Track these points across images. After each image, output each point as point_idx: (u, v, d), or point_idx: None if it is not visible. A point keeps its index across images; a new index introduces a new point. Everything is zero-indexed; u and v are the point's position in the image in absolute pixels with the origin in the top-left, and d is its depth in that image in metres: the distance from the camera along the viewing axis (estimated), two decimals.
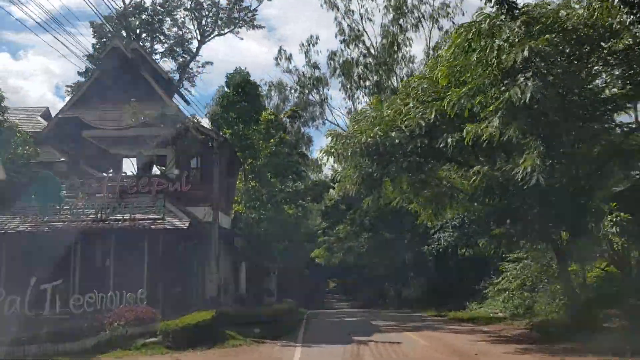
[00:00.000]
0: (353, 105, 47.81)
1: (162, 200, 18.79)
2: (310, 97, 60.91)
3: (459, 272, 37.81)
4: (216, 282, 19.85)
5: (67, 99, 28.09)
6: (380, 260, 43.45)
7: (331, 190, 51.55)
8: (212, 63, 32.94)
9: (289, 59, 49.67)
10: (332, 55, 46.88)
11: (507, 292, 26.28)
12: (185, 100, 26.82)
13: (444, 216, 21.50)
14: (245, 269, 31.94)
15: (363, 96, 47.17)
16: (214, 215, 20.19)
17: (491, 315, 25.02)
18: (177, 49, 30.57)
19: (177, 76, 31.56)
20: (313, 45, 48.62)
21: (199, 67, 31.87)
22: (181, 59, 30.47)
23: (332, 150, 16.43)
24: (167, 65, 33.71)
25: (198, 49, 31.36)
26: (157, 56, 29.62)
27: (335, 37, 45.62)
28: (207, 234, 20.74)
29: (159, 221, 18.61)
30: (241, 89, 29.71)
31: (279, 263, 42.04)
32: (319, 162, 61.39)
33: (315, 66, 49.22)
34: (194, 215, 20.74)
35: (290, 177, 36.40)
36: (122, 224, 18.41)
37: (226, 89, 29.79)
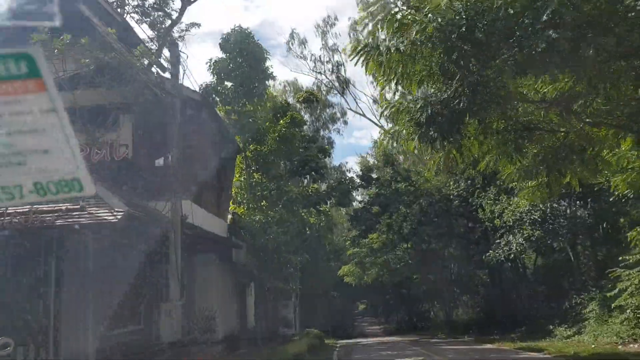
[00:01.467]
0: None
1: (78, 180, 10.47)
2: (330, 97, 53.13)
3: (527, 286, 28.85)
4: (178, 315, 11.26)
5: None
6: (422, 275, 34.58)
7: (359, 192, 43.01)
8: (199, 25, 24.67)
9: (303, 43, 41.77)
10: (354, 25, 38.69)
11: (629, 312, 17.43)
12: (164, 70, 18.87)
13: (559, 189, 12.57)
14: (253, 292, 23.60)
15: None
16: (172, 205, 11.78)
17: (619, 347, 16.05)
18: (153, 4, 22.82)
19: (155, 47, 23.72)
20: (331, 27, 40.71)
21: (183, 30, 24.03)
22: (158, 20, 22.72)
23: (371, 40, 7.97)
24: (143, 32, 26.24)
25: (182, 9, 23.73)
26: (129, 19, 22.01)
27: (357, 4, 37.57)
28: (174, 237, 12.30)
29: (73, 213, 10.33)
30: (240, 52, 21.52)
31: (298, 284, 33.50)
32: (342, 168, 53.44)
33: (333, 49, 41.11)
34: (149, 207, 12.43)
35: (309, 175, 28.06)
36: (7, 221, 10.16)
37: (221, 54, 21.65)
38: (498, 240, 24.52)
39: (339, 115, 51.68)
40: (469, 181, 27.23)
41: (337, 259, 46.44)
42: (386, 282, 43.02)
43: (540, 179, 11.41)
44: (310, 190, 29.25)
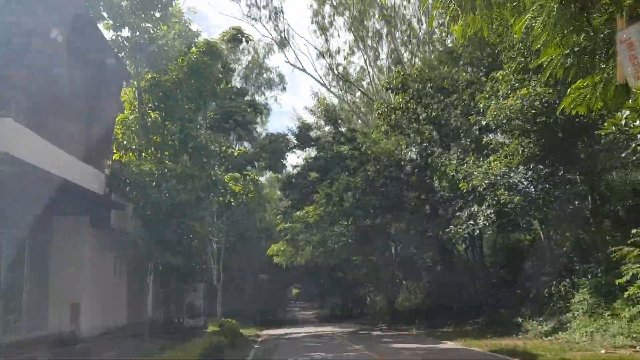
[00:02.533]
0: (326, 40, 33.28)
1: None
2: (267, 61, 47.49)
3: (484, 270, 24.23)
4: None
5: None
6: (364, 256, 29.55)
7: (297, 156, 37.46)
8: None
9: None
10: None
11: None
12: None
13: None
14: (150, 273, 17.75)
15: (345, 26, 32.37)
16: None
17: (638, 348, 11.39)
18: None
19: None
20: None
21: None
22: None
23: None
24: None
25: None
26: None
27: None
28: None
29: None
30: None
31: (215, 263, 27.79)
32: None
33: None
34: None
35: (234, 131, 22.21)
36: None
37: None
38: (459, 213, 19.62)
39: (277, 80, 45.86)
40: (425, 144, 22.20)
41: (269, 238, 40.74)
42: (321, 264, 37.88)
43: (604, 72, 6.16)
44: (236, 154, 23.49)
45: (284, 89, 46.40)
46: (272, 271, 43.50)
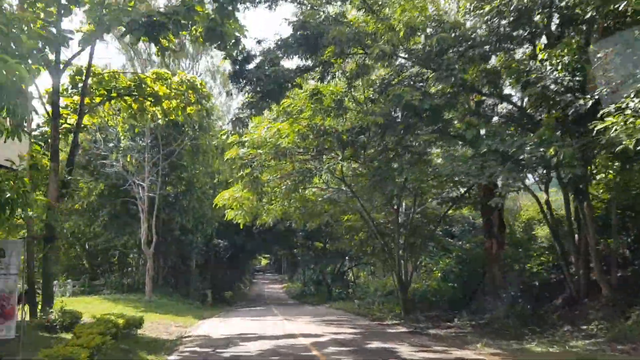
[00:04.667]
0: None
1: None
2: None
3: (584, 235, 13.43)
4: None
5: None
6: (367, 215, 18.47)
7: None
8: None
9: None
10: None
11: None
12: None
13: None
14: None
15: None
16: None
17: None
18: None
19: None
20: None
21: None
22: None
23: None
24: None
25: None
26: None
27: None
28: None
29: None
30: None
31: (145, 219, 16.73)
32: None
33: None
34: None
35: None
36: None
37: None
38: (605, 109, 8.73)
39: None
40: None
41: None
42: (297, 227, 27.02)
43: None
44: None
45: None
46: (232, 235, 32.42)
